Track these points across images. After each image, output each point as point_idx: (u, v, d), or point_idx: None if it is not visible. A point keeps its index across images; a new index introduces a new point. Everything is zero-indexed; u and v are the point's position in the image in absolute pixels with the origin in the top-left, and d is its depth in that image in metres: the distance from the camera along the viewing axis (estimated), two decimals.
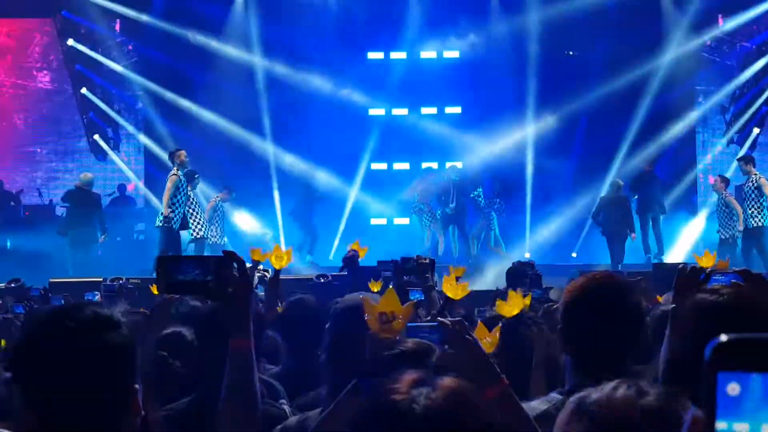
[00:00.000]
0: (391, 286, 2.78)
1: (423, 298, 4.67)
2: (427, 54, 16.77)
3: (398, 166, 16.88)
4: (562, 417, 1.32)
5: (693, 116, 16.34)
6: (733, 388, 0.82)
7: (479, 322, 2.97)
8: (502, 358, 2.63)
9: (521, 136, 16.01)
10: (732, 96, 16.17)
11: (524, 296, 4.16)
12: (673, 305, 2.48)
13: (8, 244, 13.82)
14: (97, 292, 6.22)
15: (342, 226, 15.86)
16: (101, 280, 7.35)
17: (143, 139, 16.34)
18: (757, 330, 0.88)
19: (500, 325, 2.73)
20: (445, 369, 2.05)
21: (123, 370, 1.64)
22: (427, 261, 5.06)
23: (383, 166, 16.81)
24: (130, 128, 16.57)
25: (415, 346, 2.22)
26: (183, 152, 11.90)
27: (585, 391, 1.31)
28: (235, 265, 2.05)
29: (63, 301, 5.17)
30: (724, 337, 0.84)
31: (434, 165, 16.42)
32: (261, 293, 5.76)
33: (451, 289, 3.27)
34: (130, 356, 1.65)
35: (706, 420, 0.83)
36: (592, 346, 2.31)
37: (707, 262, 4.35)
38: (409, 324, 2.33)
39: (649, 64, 15.57)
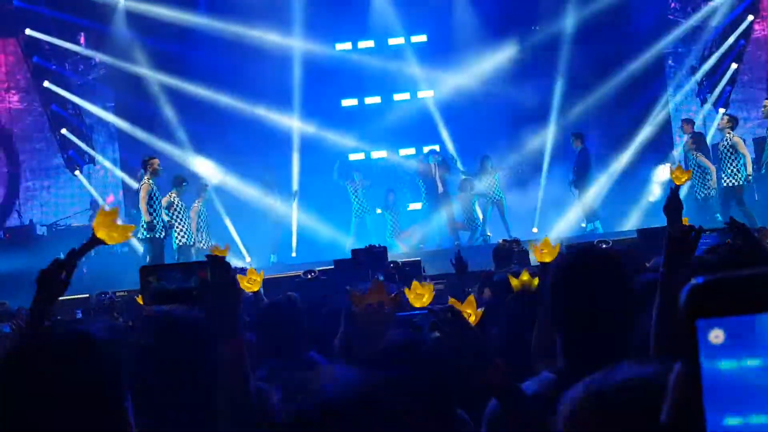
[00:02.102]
0: (377, 277, 2.79)
1: (383, 279, 4.75)
2: (395, 41, 16.71)
3: (376, 154, 16.87)
4: (579, 415, 1.26)
5: (663, 80, 16.39)
6: (716, 336, 0.75)
7: (471, 295, 3.03)
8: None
9: (493, 115, 16.04)
10: (701, 56, 16.17)
11: (513, 273, 4.25)
12: (663, 270, 2.45)
13: None
14: (79, 309, 6.18)
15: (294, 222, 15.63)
16: (88, 296, 7.30)
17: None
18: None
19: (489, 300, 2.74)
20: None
21: (106, 389, 1.59)
22: (381, 249, 5.26)
23: (360, 156, 16.81)
24: (104, 141, 16.45)
25: (403, 340, 2.19)
26: (156, 160, 11.83)
27: (588, 382, 1.26)
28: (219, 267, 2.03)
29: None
30: (699, 280, 0.76)
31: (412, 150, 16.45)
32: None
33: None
34: (113, 373, 1.60)
35: (689, 374, 0.76)
36: (581, 323, 2.26)
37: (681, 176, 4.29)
38: (398, 314, 2.33)
39: (616, 31, 15.60)
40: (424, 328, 2.30)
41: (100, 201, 15.90)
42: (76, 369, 1.54)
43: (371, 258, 5.32)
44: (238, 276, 5.03)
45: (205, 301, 2.02)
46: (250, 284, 4.92)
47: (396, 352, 2.09)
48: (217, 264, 2.01)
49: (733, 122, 12.76)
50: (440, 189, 14.53)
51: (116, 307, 6.47)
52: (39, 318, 2.34)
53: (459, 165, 15.01)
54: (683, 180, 4.44)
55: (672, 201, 2.96)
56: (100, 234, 2.30)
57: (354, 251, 5.45)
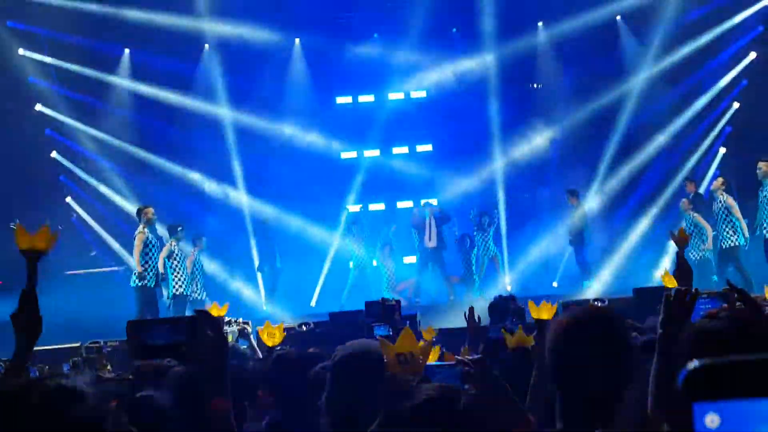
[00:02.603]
0: (407, 327, 2.74)
1: (390, 334, 4.70)
2: (395, 95, 16.92)
3: (374, 207, 16.91)
4: None
5: (662, 139, 16.58)
6: (712, 420, 0.75)
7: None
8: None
9: (492, 170, 16.21)
10: (697, 115, 16.42)
11: (509, 330, 4.25)
12: (661, 331, 2.43)
13: None
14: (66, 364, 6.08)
15: (324, 273, 15.77)
16: (79, 345, 7.21)
17: (114, 197, 16.26)
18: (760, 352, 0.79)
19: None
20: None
21: None
22: (393, 303, 5.19)
23: (358, 207, 16.85)
24: (103, 188, 16.48)
25: (437, 393, 2.13)
26: (150, 209, 11.84)
27: None
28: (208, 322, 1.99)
29: (37, 372, 5.06)
30: (695, 363, 0.76)
31: (410, 203, 16.50)
32: (244, 347, 5.67)
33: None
34: (98, 429, 1.57)
35: None
36: (581, 382, 2.25)
37: (669, 282, 4.41)
38: (429, 364, 2.30)
39: (615, 91, 15.83)
40: (447, 383, 2.27)
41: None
42: (69, 418, 1.52)
43: (386, 310, 5.27)
44: (258, 328, 4.99)
45: (194, 358, 1.99)
46: (270, 337, 4.81)
47: (432, 407, 2.04)
48: (206, 320, 1.98)
49: (726, 184, 12.85)
50: (433, 243, 14.53)
51: (104, 357, 6.37)
52: (21, 361, 2.33)
53: (454, 221, 15.11)
54: (683, 242, 4.52)
55: (681, 265, 2.97)
56: (25, 246, 2.34)
57: (368, 303, 5.42)
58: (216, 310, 5.16)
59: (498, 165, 16.21)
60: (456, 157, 16.34)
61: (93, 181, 16.35)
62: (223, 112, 15.96)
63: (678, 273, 2.98)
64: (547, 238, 15.58)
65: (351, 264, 15.03)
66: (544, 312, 3.96)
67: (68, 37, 15.22)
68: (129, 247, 14.56)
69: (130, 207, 15.36)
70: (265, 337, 4.81)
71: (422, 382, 2.25)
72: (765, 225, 11.70)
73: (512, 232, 15.94)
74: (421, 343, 2.37)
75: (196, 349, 1.98)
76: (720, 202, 12.41)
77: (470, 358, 2.21)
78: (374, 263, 15.27)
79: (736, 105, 16.14)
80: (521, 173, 16.04)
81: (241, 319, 6.65)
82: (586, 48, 15.80)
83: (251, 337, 5.86)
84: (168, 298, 12.13)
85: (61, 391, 1.55)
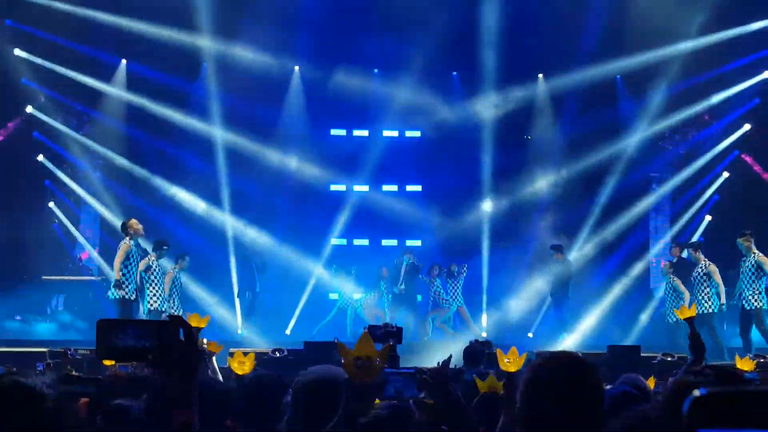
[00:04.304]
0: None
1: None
2: (390, 133, 16.98)
3: (358, 242, 16.87)
4: None
5: (646, 202, 16.71)
6: None
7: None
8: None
9: (478, 217, 16.28)
10: (685, 184, 16.63)
11: (480, 376, 4.23)
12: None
13: None
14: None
15: (302, 302, 15.68)
16: (46, 350, 7.09)
17: (99, 208, 16.15)
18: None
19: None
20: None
21: None
22: (395, 329, 5.19)
23: (343, 241, 16.80)
24: (88, 197, 16.38)
25: (389, 413, 2.11)
26: (135, 222, 11.76)
27: None
28: (182, 330, 1.94)
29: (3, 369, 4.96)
30: (699, 392, 0.79)
31: (394, 242, 16.47)
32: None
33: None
34: (54, 428, 1.51)
35: None
36: (550, 426, 2.23)
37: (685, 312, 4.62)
38: (387, 369, 2.27)
39: (606, 150, 15.96)
40: (404, 391, 2.25)
41: (88, 248, 15.75)
42: (11, 419, 1.46)
43: (387, 335, 5.26)
44: (228, 358, 4.89)
45: (161, 364, 1.92)
46: (240, 366, 4.72)
47: (382, 426, 2.02)
48: (180, 327, 1.92)
49: (674, 266, 13.15)
50: (401, 287, 14.64)
51: (70, 362, 6.24)
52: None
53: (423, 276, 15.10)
54: (687, 315, 4.66)
55: (694, 340, 3.07)
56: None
57: (371, 326, 5.40)
58: (197, 321, 5.08)
59: (485, 211, 16.29)
60: (444, 200, 16.39)
61: (78, 189, 16.25)
62: (216, 131, 15.94)
63: (692, 348, 3.10)
64: (527, 289, 15.58)
65: (336, 296, 15.05)
66: (512, 365, 3.95)
67: (66, 42, 15.22)
68: (109, 258, 14.47)
69: (113, 218, 15.26)
70: (235, 366, 4.72)
71: (381, 386, 2.24)
72: (744, 295, 11.78)
73: (493, 278, 15.93)
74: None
75: (165, 355, 1.92)
76: (701, 267, 12.48)
77: (429, 368, 2.20)
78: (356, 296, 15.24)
79: (725, 174, 16.34)
80: (507, 222, 16.09)
81: (205, 339, 6.52)
82: (584, 104, 15.96)
83: (213, 359, 5.71)
84: (144, 313, 12.00)
85: (16, 389, 1.50)
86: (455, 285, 14.85)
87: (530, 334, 15.17)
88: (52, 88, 15.67)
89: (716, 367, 1.64)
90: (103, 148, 16.03)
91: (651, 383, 4.53)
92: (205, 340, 6.08)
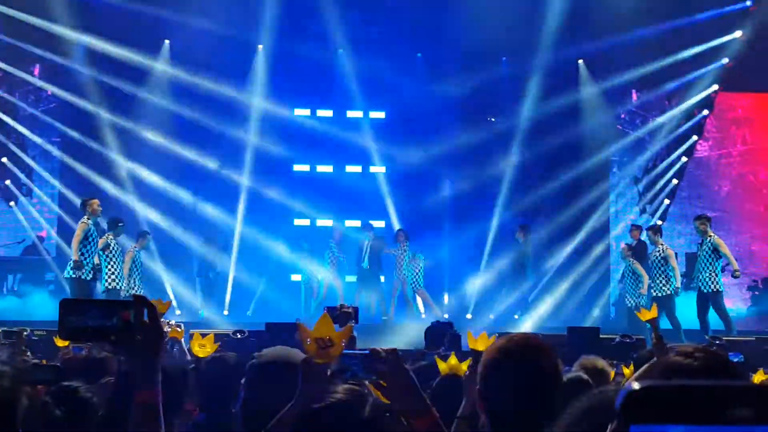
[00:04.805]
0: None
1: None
2: (354, 113, 16.92)
3: (321, 222, 16.83)
4: None
5: (606, 185, 16.90)
6: None
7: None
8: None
9: (440, 198, 16.34)
10: (645, 168, 16.86)
11: (442, 357, 4.25)
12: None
13: None
14: None
15: (262, 284, 15.62)
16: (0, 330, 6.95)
17: (57, 185, 15.90)
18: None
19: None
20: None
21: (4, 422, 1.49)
22: (350, 310, 5.21)
23: (306, 222, 16.75)
24: (45, 174, 16.10)
25: (346, 397, 2.12)
26: (95, 201, 11.60)
27: None
28: (145, 310, 1.92)
29: None
30: (636, 386, 0.75)
31: (358, 223, 16.46)
32: (175, 349, 5.56)
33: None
34: (10, 406, 1.49)
35: None
36: (508, 407, 2.26)
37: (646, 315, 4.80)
38: (344, 351, 2.28)
39: (567, 133, 16.09)
40: (359, 373, 2.26)
41: (32, 234, 15.52)
42: None
43: (341, 316, 5.33)
44: (191, 342, 4.86)
45: (123, 343, 1.90)
46: (201, 348, 4.69)
47: (336, 412, 2.04)
48: (144, 307, 1.91)
49: (633, 250, 13.25)
50: (366, 264, 14.63)
51: (24, 343, 6.13)
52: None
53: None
54: (648, 317, 4.78)
55: (658, 343, 3.17)
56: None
57: (328, 308, 5.38)
58: (159, 306, 5.04)
59: (449, 191, 16.36)
60: (408, 181, 16.42)
61: (35, 166, 15.98)
62: (177, 108, 15.72)
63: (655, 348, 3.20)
64: (488, 269, 15.70)
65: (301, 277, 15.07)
66: (480, 343, 3.95)
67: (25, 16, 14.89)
68: (66, 237, 14.27)
69: (73, 197, 15.03)
70: (196, 348, 4.70)
71: (338, 368, 2.26)
72: (701, 278, 12.01)
73: (455, 259, 16.02)
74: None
75: (126, 334, 1.90)
76: (658, 251, 12.69)
77: (384, 348, 2.22)
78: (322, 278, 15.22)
79: (684, 159, 16.61)
80: (470, 203, 16.15)
81: (173, 321, 6.53)
82: (546, 87, 16.04)
83: (182, 341, 5.75)
84: (102, 291, 11.87)
85: None
86: (417, 265, 14.81)
87: (491, 316, 15.21)
88: (12, 64, 15.34)
89: (707, 351, 1.65)
90: (61, 125, 15.73)
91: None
92: (173, 321, 6.07)
